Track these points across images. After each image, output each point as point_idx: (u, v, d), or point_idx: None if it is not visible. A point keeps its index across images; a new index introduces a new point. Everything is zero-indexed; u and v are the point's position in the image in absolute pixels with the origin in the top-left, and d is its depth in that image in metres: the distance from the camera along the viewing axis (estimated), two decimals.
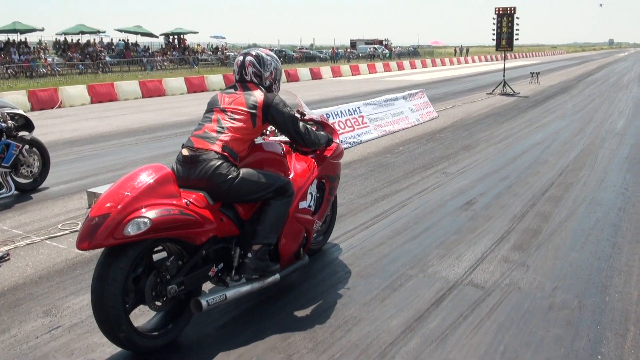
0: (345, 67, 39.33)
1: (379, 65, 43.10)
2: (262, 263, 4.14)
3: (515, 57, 73.25)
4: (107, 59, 39.72)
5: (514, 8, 22.48)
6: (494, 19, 22.66)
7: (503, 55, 24.99)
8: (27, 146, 8.14)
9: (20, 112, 8.36)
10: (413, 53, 74.01)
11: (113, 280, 3.35)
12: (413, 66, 47.41)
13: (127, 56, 41.77)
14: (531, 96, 21.72)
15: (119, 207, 3.35)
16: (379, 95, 15.18)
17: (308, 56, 59.10)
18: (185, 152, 3.99)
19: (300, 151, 4.85)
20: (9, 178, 7.85)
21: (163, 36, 49.23)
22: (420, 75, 37.01)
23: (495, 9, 22.69)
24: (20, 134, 8.10)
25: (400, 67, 45.15)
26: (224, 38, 63.29)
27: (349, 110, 12.22)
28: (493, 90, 22.99)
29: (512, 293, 4.69)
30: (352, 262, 5.36)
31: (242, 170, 4.02)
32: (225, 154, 3.97)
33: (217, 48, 53.36)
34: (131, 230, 3.33)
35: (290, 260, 4.56)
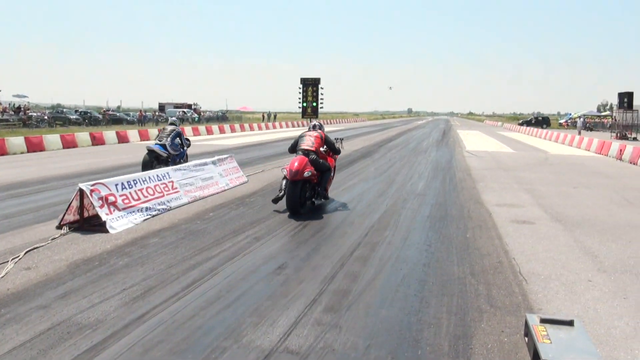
0: (153, 131, 38.58)
1: (188, 129, 42.83)
2: (323, 193, 11.76)
3: None
4: None
5: (319, 79, 23.76)
6: (300, 87, 23.65)
7: (309, 121, 26.03)
8: None
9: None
10: (222, 117, 74.67)
11: (300, 188, 11.14)
12: (222, 131, 47.76)
13: None
14: (336, 160, 22.73)
15: (302, 167, 11.15)
16: (189, 160, 14.97)
17: (115, 118, 57.31)
18: (302, 149, 11.85)
19: (332, 154, 12.81)
20: None
21: None
22: (229, 139, 37.37)
23: (301, 79, 23.77)
24: None
25: (210, 132, 45.29)
26: (27, 97, 59.53)
27: (157, 175, 11.89)
28: None
29: (327, 356, 4.73)
30: (164, 339, 5.09)
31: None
32: (316, 152, 11.87)
33: (19, 107, 50.13)
34: (306, 175, 11.11)
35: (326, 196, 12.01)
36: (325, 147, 12.40)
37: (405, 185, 15.49)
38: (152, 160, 16.01)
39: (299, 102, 22.37)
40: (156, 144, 16.35)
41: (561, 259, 8.06)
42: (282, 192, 11.39)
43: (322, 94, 22.47)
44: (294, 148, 12.26)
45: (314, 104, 22.47)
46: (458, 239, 9.08)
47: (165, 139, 16.28)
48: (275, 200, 11.51)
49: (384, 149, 30.23)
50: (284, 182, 11.50)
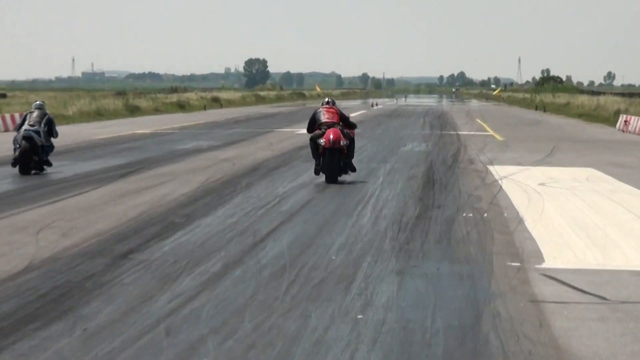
0: None
1: None
2: (352, 165, 19.76)
3: None
4: None
5: None
6: None
7: None
8: None
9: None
10: None
11: (337, 157, 19.42)
12: None
13: None
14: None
15: (338, 136, 18.82)
16: None
17: None
18: (327, 123, 19.04)
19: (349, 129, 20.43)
20: None
21: None
22: None
23: None
24: None
25: None
26: None
27: None
28: None
29: None
30: None
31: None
32: (340, 124, 19.90)
33: None
34: (342, 143, 18.69)
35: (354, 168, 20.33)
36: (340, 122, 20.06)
37: None
38: (31, 153, 20.38)
39: None
40: (28, 130, 20.51)
41: None
42: (320, 161, 19.34)
43: None
44: (313, 124, 19.73)
45: None
46: None
47: (38, 125, 20.82)
48: (317, 170, 19.44)
49: None
50: (319, 157, 19.31)
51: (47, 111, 22.22)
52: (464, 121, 56.30)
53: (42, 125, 20.78)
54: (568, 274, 10.26)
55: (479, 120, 56.10)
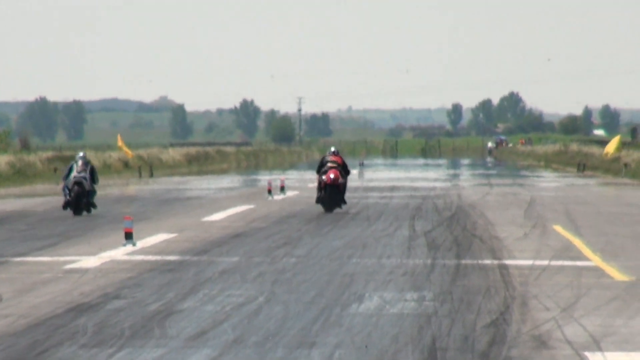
0: None
1: None
2: (344, 200, 33.55)
3: None
4: None
5: None
6: None
7: None
8: None
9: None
10: None
11: (335, 192, 33.77)
12: None
13: None
14: None
15: (338, 176, 32.77)
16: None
17: None
18: (330, 166, 32.90)
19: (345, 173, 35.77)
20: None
21: None
22: None
23: None
24: None
25: None
26: None
27: None
28: None
29: None
30: None
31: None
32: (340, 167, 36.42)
33: None
34: (340, 181, 31.95)
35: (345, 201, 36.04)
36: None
37: None
38: (82, 196, 27.17)
39: None
40: (78, 176, 27.03)
41: None
42: (322, 193, 30.73)
43: None
44: (321, 166, 31.07)
45: None
46: None
47: (84, 172, 27.36)
48: (319, 200, 30.79)
49: None
50: (321, 190, 30.91)
51: (89, 161, 28.29)
52: (520, 230, 26.27)
53: (87, 172, 27.46)
54: None
55: (558, 229, 26.47)
